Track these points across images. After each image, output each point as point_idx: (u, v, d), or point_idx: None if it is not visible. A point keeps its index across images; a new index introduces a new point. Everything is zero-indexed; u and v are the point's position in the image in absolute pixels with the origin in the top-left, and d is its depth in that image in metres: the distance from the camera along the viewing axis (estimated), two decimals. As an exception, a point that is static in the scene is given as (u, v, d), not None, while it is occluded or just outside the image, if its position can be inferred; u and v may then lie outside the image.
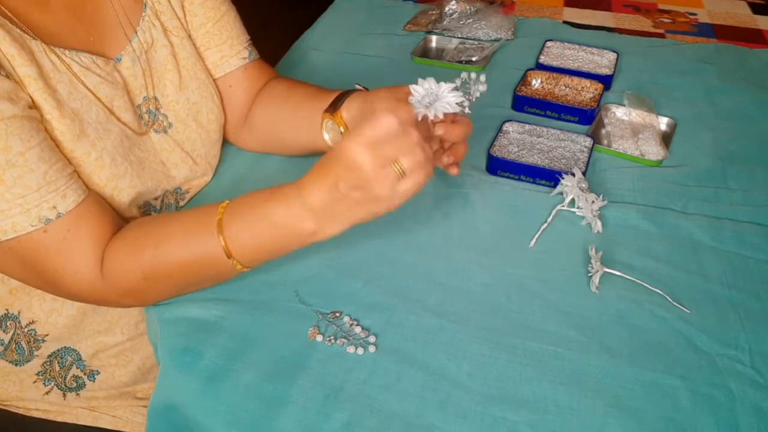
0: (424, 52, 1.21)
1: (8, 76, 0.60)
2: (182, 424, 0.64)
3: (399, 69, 1.15)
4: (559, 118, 1.00)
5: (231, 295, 0.70)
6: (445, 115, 0.61)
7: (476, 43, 1.21)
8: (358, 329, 0.66)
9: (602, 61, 1.13)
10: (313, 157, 0.90)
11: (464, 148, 0.68)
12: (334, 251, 0.75)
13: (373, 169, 0.55)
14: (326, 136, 0.77)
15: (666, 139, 0.97)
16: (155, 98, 0.76)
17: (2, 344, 0.76)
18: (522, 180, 0.87)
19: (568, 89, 1.06)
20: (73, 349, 0.78)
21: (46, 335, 0.75)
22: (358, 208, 0.58)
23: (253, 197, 0.63)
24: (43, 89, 0.63)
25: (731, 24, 1.36)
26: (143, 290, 0.66)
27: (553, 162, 0.89)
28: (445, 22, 1.26)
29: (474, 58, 1.16)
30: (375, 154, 0.55)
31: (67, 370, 0.78)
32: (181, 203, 0.82)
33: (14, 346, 0.76)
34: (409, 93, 0.62)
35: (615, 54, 1.14)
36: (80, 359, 0.78)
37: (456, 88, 0.61)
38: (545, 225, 0.80)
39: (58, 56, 0.65)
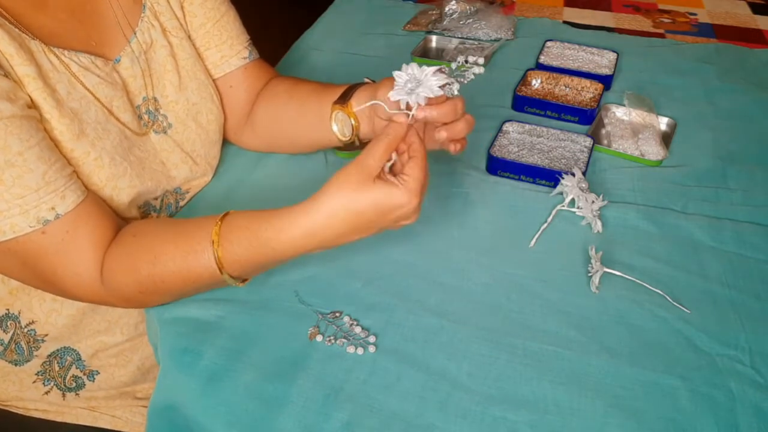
0: (424, 52, 1.21)
1: (7, 75, 0.60)
2: (182, 424, 0.64)
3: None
4: (559, 118, 1.00)
5: (231, 295, 0.70)
6: (432, 100, 0.60)
7: (476, 43, 1.21)
8: (358, 329, 0.66)
9: (602, 61, 1.13)
10: (314, 156, 0.90)
11: (464, 123, 0.65)
12: (334, 251, 0.75)
13: (376, 226, 0.60)
14: (335, 128, 0.77)
15: (666, 139, 0.97)
16: (155, 99, 0.76)
17: (2, 344, 0.76)
18: (522, 180, 0.87)
19: (568, 89, 1.06)
20: (73, 349, 0.78)
21: (46, 335, 0.75)
22: (348, 238, 0.61)
23: (250, 221, 0.62)
24: (42, 89, 0.63)
25: (731, 24, 1.36)
26: (141, 300, 0.67)
27: (553, 162, 0.89)
28: (445, 22, 1.26)
29: (472, 58, 1.16)
30: (384, 218, 0.59)
31: (66, 370, 0.78)
32: (181, 203, 0.82)
33: (14, 346, 0.76)
34: None
35: (615, 54, 1.14)
36: (80, 359, 0.78)
37: (441, 70, 0.60)
38: (545, 225, 0.80)
39: (56, 56, 0.65)
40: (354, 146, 0.77)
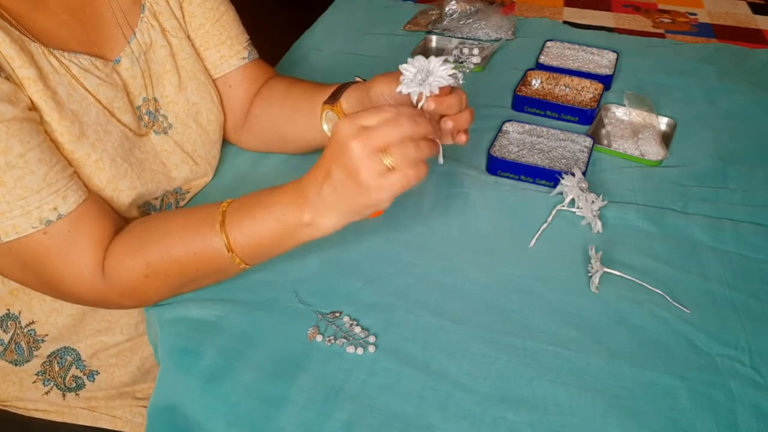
0: (424, 52, 1.21)
1: (8, 78, 0.60)
2: (182, 424, 0.64)
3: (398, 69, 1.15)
4: (559, 118, 1.00)
5: (230, 295, 0.70)
6: (441, 89, 0.60)
7: (476, 43, 1.21)
8: (357, 329, 0.66)
9: (602, 61, 1.13)
10: (314, 155, 0.90)
11: (469, 113, 0.64)
12: (333, 251, 0.75)
13: (361, 154, 0.55)
14: (325, 127, 0.77)
15: (666, 139, 0.97)
16: (155, 99, 0.76)
17: (2, 344, 0.76)
18: (522, 180, 0.87)
19: (568, 89, 1.06)
20: (73, 349, 0.78)
21: (46, 335, 0.75)
22: (347, 195, 0.58)
23: (257, 193, 0.64)
24: (42, 91, 0.63)
25: (731, 24, 1.36)
26: (144, 288, 0.66)
27: (553, 162, 0.89)
28: (445, 22, 1.26)
29: (474, 59, 1.16)
30: (365, 140, 0.55)
31: (66, 370, 0.78)
32: (182, 203, 0.82)
33: (14, 346, 0.76)
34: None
35: (615, 54, 1.14)
36: (80, 359, 0.78)
37: (446, 61, 0.60)
38: (545, 225, 0.80)
39: (57, 58, 0.65)
40: None
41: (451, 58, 0.64)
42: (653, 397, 0.61)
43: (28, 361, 0.77)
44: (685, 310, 0.70)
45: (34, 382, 0.78)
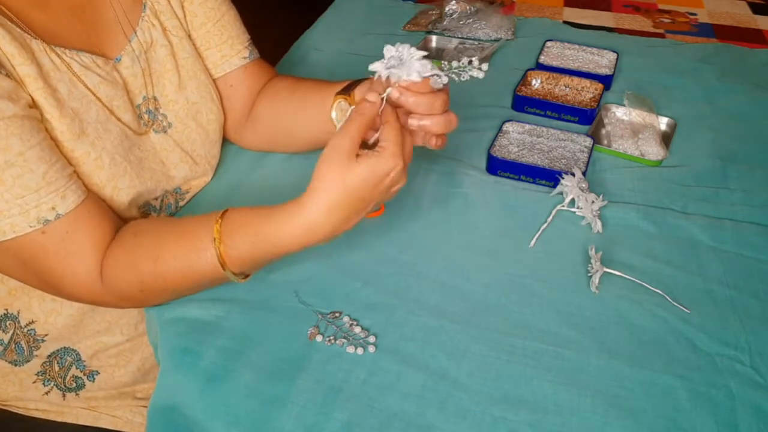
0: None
1: (8, 75, 0.60)
2: (182, 424, 0.63)
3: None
4: (559, 118, 1.00)
5: (231, 296, 0.70)
6: (412, 86, 0.59)
7: (476, 43, 1.21)
8: (357, 329, 0.66)
9: (602, 61, 1.13)
10: (313, 156, 0.90)
11: (444, 118, 0.62)
12: (334, 251, 0.75)
13: (372, 201, 0.60)
14: (333, 115, 0.76)
15: (666, 139, 0.97)
16: (154, 98, 0.76)
17: (2, 344, 0.76)
18: (522, 180, 0.87)
19: (568, 89, 1.06)
20: (73, 349, 0.78)
21: (46, 335, 0.75)
22: (348, 224, 0.61)
23: (254, 212, 0.63)
24: (43, 88, 0.63)
25: (731, 24, 1.36)
26: (140, 299, 0.67)
27: (553, 162, 0.89)
28: (445, 22, 1.26)
29: (474, 59, 1.16)
30: (376, 190, 0.59)
31: (66, 370, 0.78)
32: (181, 203, 0.82)
33: (14, 346, 0.76)
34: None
35: (615, 54, 1.14)
36: (80, 359, 0.78)
37: (426, 57, 0.59)
38: (545, 225, 0.80)
39: (58, 56, 0.65)
40: None
41: (455, 63, 0.63)
42: (653, 397, 0.61)
43: (28, 361, 0.77)
44: (685, 310, 0.70)
45: (34, 382, 0.78)
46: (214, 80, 0.84)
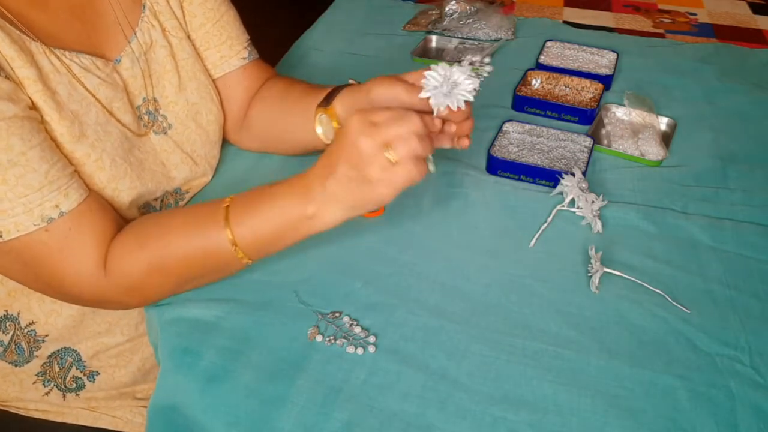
0: (424, 52, 1.21)
1: (8, 77, 0.60)
2: (182, 425, 0.64)
3: (399, 69, 1.13)
4: (559, 118, 1.00)
5: (231, 296, 0.70)
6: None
7: (476, 43, 1.21)
8: (357, 329, 0.66)
9: (602, 61, 1.13)
10: (313, 156, 0.90)
11: (470, 121, 0.67)
12: (333, 251, 0.75)
13: (370, 149, 0.57)
14: (319, 130, 0.76)
15: (666, 139, 0.97)
16: (154, 99, 0.76)
17: (2, 345, 0.76)
18: (522, 180, 0.87)
19: (568, 89, 1.06)
20: (73, 350, 0.78)
21: (46, 336, 0.75)
22: (352, 189, 0.59)
23: (260, 187, 0.65)
24: (42, 91, 0.63)
25: (731, 24, 1.36)
26: (146, 285, 0.66)
27: (553, 162, 0.89)
28: (445, 22, 1.26)
29: (474, 59, 1.16)
30: (374, 135, 0.57)
31: (66, 370, 0.78)
32: (181, 203, 0.82)
33: (14, 346, 0.76)
34: (403, 81, 0.64)
35: (615, 54, 1.14)
36: (80, 360, 0.78)
37: (471, 75, 0.61)
38: (545, 225, 0.80)
39: (57, 57, 0.65)
40: None
41: (466, 65, 0.64)
42: (653, 397, 0.61)
43: (29, 361, 0.77)
44: (685, 310, 0.70)
45: (34, 382, 0.78)
46: (213, 81, 0.84)
